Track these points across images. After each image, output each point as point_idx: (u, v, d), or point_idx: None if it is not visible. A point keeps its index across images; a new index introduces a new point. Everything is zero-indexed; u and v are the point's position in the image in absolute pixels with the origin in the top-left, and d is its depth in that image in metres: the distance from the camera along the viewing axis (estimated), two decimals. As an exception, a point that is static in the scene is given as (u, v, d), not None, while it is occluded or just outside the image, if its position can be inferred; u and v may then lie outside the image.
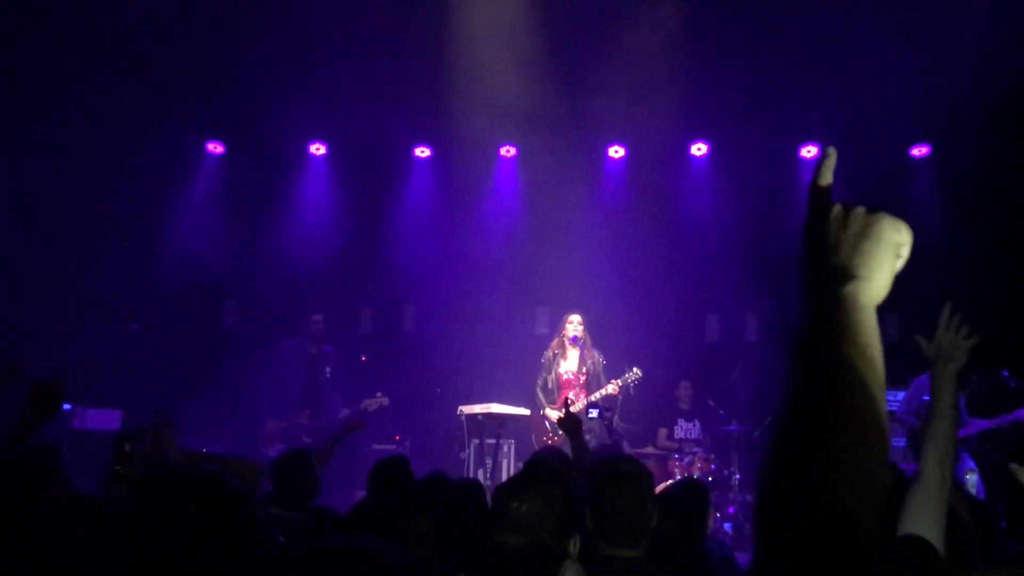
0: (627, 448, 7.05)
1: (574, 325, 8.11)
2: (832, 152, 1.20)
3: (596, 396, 7.72)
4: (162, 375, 8.33)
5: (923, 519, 2.33)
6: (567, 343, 8.10)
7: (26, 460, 2.63)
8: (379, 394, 7.92)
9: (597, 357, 8.10)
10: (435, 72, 8.48)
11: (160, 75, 8.43)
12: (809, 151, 9.76)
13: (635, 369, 7.74)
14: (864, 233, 1.13)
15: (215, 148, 9.83)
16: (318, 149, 9.99)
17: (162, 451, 3.84)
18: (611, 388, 7.72)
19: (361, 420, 5.89)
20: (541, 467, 2.67)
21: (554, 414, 7.83)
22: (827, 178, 1.19)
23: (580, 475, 3.93)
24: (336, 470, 6.81)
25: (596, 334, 8.36)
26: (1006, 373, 7.29)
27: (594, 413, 7.29)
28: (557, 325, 9.47)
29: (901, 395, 7.82)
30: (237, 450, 8.18)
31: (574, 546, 2.42)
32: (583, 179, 9.67)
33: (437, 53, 8.34)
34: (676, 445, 8.38)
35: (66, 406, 7.37)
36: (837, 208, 1.17)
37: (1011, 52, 7.47)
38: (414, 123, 9.67)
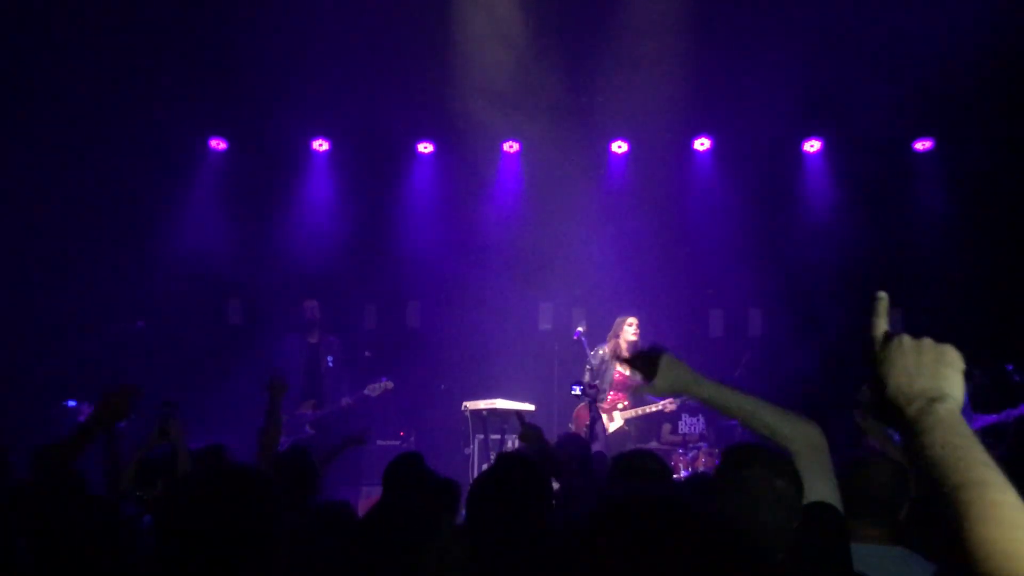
0: (600, 430, 7.10)
1: (633, 328, 8.11)
2: (883, 297, 1.39)
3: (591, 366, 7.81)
4: (167, 372, 8.34)
5: (820, 486, 2.30)
6: (623, 346, 8.04)
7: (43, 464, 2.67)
8: (384, 379, 7.91)
9: None
10: (438, 68, 8.49)
11: (163, 72, 8.44)
12: (812, 145, 9.75)
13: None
14: (940, 360, 1.29)
15: (218, 145, 9.82)
16: (321, 145, 9.98)
17: (169, 441, 3.86)
18: (667, 406, 7.78)
19: (362, 436, 5.86)
20: (512, 462, 2.67)
21: (616, 419, 7.99)
22: (883, 325, 1.37)
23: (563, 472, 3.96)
24: (340, 467, 6.82)
25: (600, 329, 8.37)
26: (1010, 367, 7.28)
27: (577, 390, 7.27)
28: (560, 321, 9.51)
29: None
30: (242, 446, 8.21)
31: None
32: (586, 174, 9.67)
33: (440, 49, 8.35)
34: (680, 439, 8.39)
35: (70, 403, 7.39)
36: (907, 340, 1.33)
37: (1013, 46, 7.46)
38: (417, 119, 9.67)
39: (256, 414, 8.04)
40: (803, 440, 2.33)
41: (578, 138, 9.42)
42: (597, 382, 7.51)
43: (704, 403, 2.50)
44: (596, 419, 6.99)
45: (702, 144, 9.90)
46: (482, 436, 7.77)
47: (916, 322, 9.35)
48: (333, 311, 8.53)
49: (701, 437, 8.43)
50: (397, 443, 8.30)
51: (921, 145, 9.50)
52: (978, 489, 1.08)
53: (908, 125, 9.27)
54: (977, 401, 7.72)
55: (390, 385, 7.90)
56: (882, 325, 1.36)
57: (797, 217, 9.67)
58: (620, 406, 8.13)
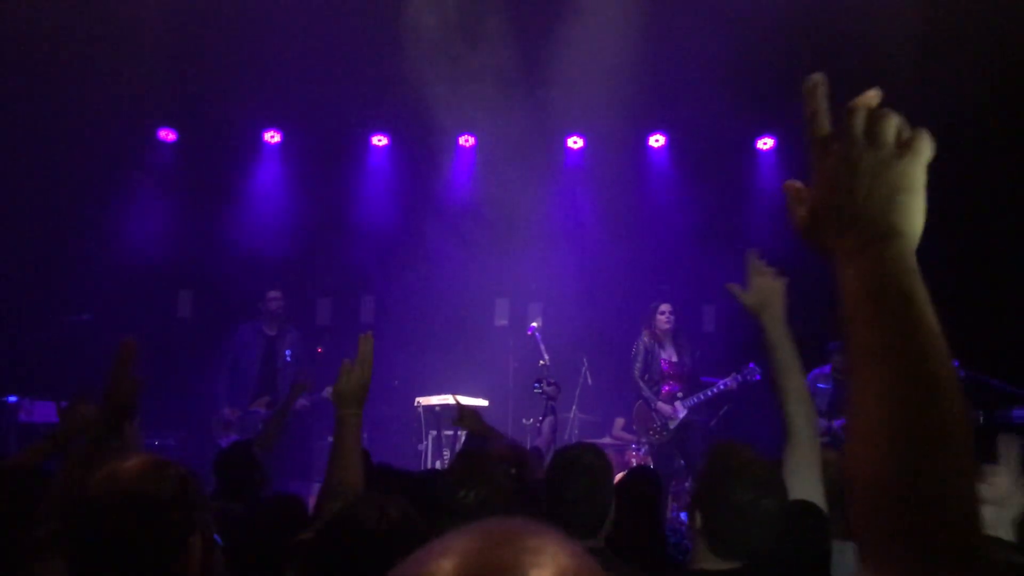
0: (547, 428, 7.04)
1: (666, 316, 8.03)
2: (819, 81, 1.05)
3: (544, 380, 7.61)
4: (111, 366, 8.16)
5: (803, 479, 2.32)
6: (660, 333, 8.02)
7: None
8: None
9: (693, 348, 8.14)
10: (392, 60, 8.40)
11: (110, 60, 8.24)
12: (765, 143, 9.85)
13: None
14: (898, 185, 0.95)
15: (167, 135, 9.64)
16: (273, 137, 9.84)
17: (125, 443, 3.76)
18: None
19: (305, 382, 5.74)
20: (480, 455, 2.65)
21: (665, 407, 7.84)
22: (823, 123, 1.01)
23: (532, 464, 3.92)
24: (290, 462, 6.74)
25: (553, 325, 8.36)
26: (956, 363, 7.39)
27: (537, 388, 7.23)
28: (516, 317, 9.48)
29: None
30: (191, 442, 8.08)
31: None
32: (542, 169, 9.66)
33: (394, 41, 8.26)
34: (633, 436, 8.43)
35: (11, 399, 7.20)
36: (855, 149, 0.97)
37: (984, 51, 7.59)
38: (371, 111, 9.58)
39: (205, 407, 7.97)
40: (803, 427, 2.35)
41: (533, 133, 9.39)
42: (555, 382, 7.32)
43: (767, 338, 2.58)
44: (546, 416, 6.97)
45: (657, 141, 9.96)
46: (435, 432, 7.72)
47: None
48: (286, 305, 8.39)
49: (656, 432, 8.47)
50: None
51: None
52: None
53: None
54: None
55: None
56: (823, 121, 1.05)
57: (751, 214, 9.76)
58: (679, 395, 7.96)
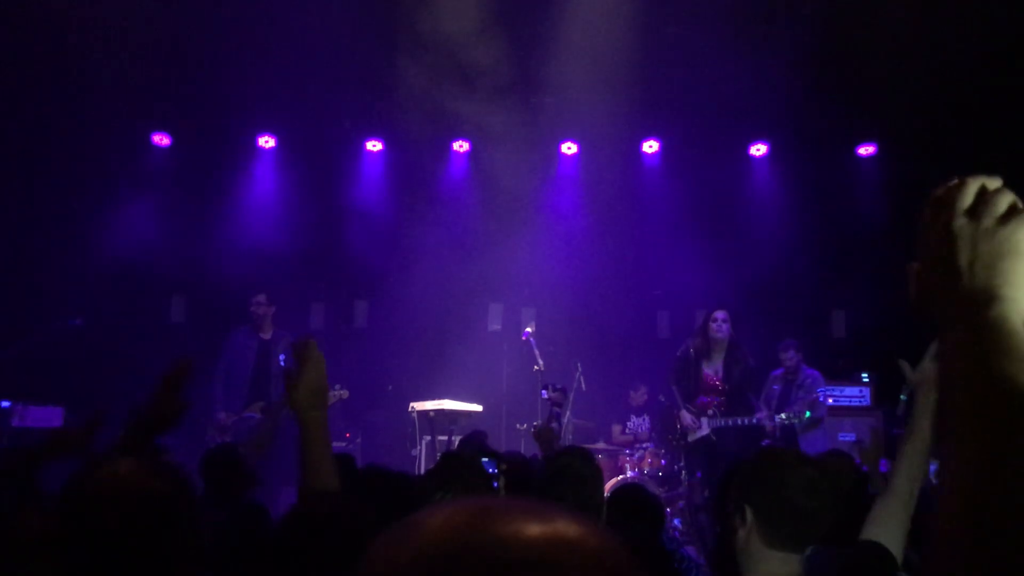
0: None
1: (718, 323, 7.56)
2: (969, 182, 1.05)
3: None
4: (107, 371, 8.15)
5: (888, 530, 2.39)
6: (712, 344, 7.58)
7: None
8: (338, 386, 7.46)
9: (748, 363, 7.61)
10: (387, 65, 8.42)
11: (104, 64, 8.23)
12: (758, 149, 9.89)
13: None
14: (1000, 251, 0.97)
15: (161, 140, 9.63)
16: (267, 142, 9.84)
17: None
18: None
19: (280, 406, 5.69)
20: (459, 458, 2.66)
21: (688, 417, 7.52)
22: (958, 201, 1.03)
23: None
24: (282, 468, 6.72)
25: (547, 330, 8.37)
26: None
27: (544, 395, 7.19)
28: (509, 322, 9.47)
29: (848, 390, 7.94)
30: (185, 447, 8.05)
31: None
32: (536, 175, 9.68)
33: (389, 47, 8.28)
34: (631, 439, 8.46)
35: (4, 404, 7.18)
36: (961, 223, 1.01)
37: (956, 53, 7.63)
38: (365, 116, 9.59)
39: (200, 412, 7.94)
40: (908, 499, 2.44)
41: (528, 138, 9.42)
42: (562, 387, 7.13)
43: (915, 409, 2.57)
44: (550, 423, 6.94)
45: (651, 147, 9.98)
46: (429, 437, 7.71)
47: (858, 323, 9.54)
48: (279, 310, 8.37)
49: (648, 436, 8.49)
50: (343, 444, 8.21)
51: (865, 150, 9.70)
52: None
53: (852, 131, 9.46)
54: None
55: (344, 394, 7.52)
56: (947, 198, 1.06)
57: (744, 220, 9.80)
58: (709, 412, 7.55)
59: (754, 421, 7.42)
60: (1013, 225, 0.98)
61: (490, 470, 2.81)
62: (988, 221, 0.99)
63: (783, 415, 7.50)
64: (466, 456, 2.75)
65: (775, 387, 7.84)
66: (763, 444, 7.47)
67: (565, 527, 0.74)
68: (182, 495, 1.74)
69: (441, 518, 0.74)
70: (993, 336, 0.92)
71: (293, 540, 1.87)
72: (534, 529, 0.72)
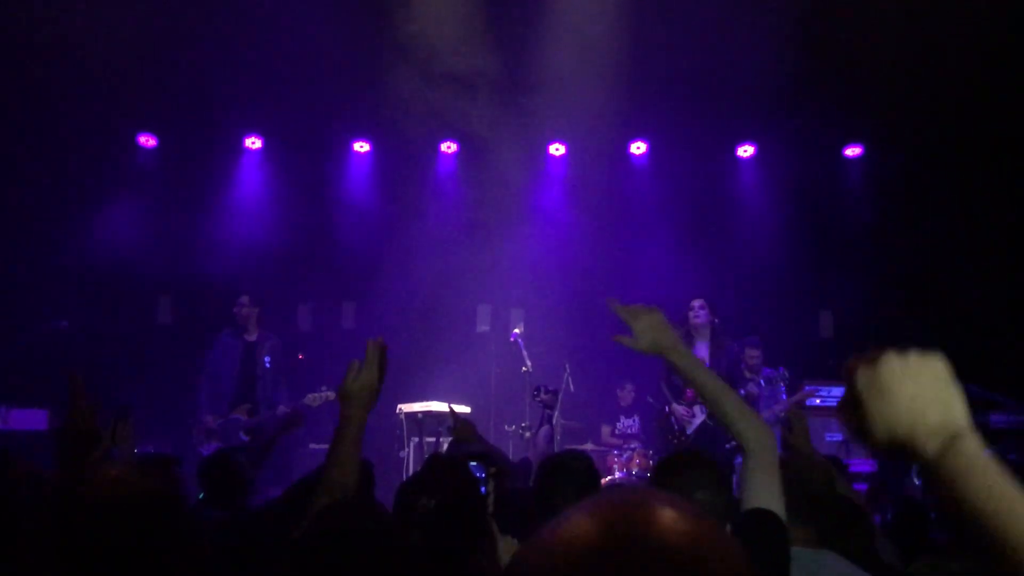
0: (542, 438, 6.98)
1: (695, 311, 7.62)
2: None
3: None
4: (93, 373, 8.07)
5: (763, 491, 2.34)
6: (694, 331, 7.61)
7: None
8: (324, 388, 7.43)
9: (737, 350, 7.64)
10: (375, 66, 8.40)
11: (90, 66, 8.18)
12: (745, 150, 9.91)
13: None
14: (939, 380, 1.13)
15: (147, 141, 9.58)
16: (254, 143, 9.80)
17: (120, 446, 3.75)
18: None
19: (296, 418, 5.71)
20: (444, 460, 2.65)
21: (680, 409, 7.54)
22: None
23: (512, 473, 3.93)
24: (272, 470, 6.70)
25: (536, 331, 8.36)
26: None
27: (536, 397, 7.17)
28: (498, 323, 9.46)
29: (835, 390, 7.98)
30: (172, 449, 8.01)
31: (490, 537, 2.40)
32: (524, 176, 9.67)
33: (377, 47, 8.26)
34: (620, 442, 8.47)
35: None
36: (895, 361, 1.15)
37: (942, 55, 7.67)
38: (353, 117, 9.57)
39: (186, 415, 7.91)
40: (756, 439, 2.36)
41: (516, 140, 9.41)
42: (553, 389, 7.17)
43: (677, 371, 2.54)
44: (542, 424, 6.93)
45: (638, 148, 10.00)
46: (417, 439, 7.69)
47: (845, 323, 9.56)
48: (265, 311, 8.34)
49: (636, 437, 8.50)
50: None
51: (851, 151, 9.75)
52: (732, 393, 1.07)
53: (838, 132, 9.50)
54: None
55: (331, 395, 7.43)
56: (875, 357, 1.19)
57: (731, 220, 9.83)
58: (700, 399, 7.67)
59: (742, 393, 7.39)
60: (931, 358, 1.14)
61: (478, 474, 2.80)
62: (913, 359, 1.14)
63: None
64: (452, 459, 2.74)
65: (739, 390, 7.79)
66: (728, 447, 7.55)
67: (707, 524, 0.82)
68: (175, 496, 1.73)
69: (586, 519, 0.80)
70: (980, 468, 1.07)
71: (317, 549, 1.85)
72: (680, 525, 0.79)
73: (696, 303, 7.65)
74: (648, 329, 2.46)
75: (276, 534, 2.57)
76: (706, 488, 2.33)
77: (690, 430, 7.54)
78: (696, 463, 2.43)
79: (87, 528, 1.63)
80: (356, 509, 2.03)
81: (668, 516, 0.79)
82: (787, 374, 7.73)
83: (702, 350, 7.66)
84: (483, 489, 2.68)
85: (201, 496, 4.12)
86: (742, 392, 7.50)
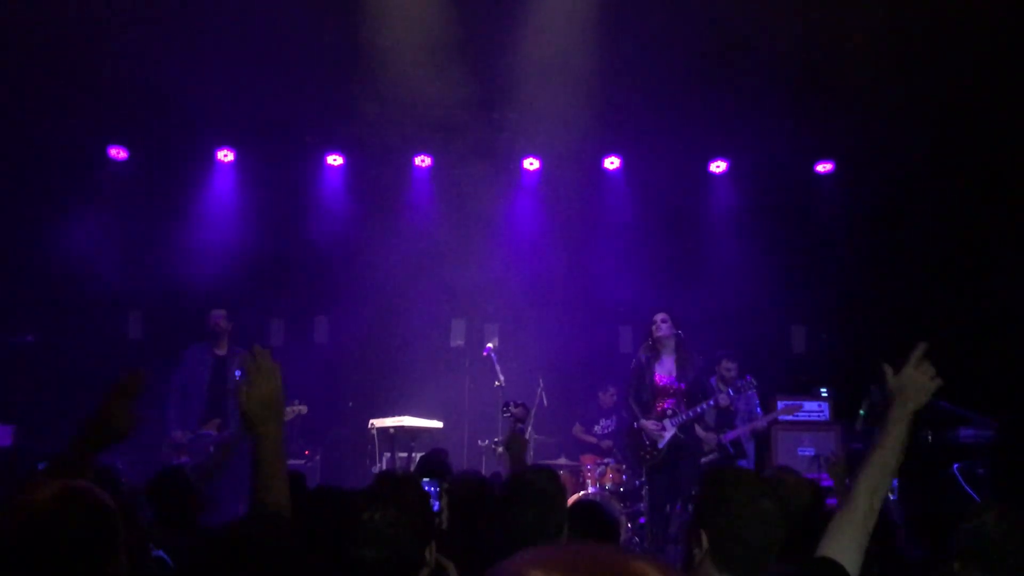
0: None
1: (657, 324, 7.60)
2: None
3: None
4: (61, 389, 7.98)
5: (845, 547, 2.35)
6: (658, 344, 7.61)
7: None
8: (296, 402, 7.40)
9: (702, 363, 7.71)
10: (348, 79, 8.38)
11: (58, 76, 8.10)
12: (718, 166, 9.97)
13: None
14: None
15: (118, 153, 9.47)
16: (226, 156, 9.72)
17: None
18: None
19: (233, 442, 5.54)
20: (394, 477, 2.60)
21: (650, 424, 7.48)
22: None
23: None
24: (237, 485, 6.60)
25: (509, 345, 8.34)
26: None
27: (507, 412, 7.14)
28: (472, 337, 9.43)
29: (807, 405, 8.02)
30: (141, 464, 7.90)
31: (430, 553, 2.36)
32: (498, 190, 9.67)
33: (350, 60, 8.24)
34: (594, 439, 8.48)
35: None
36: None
37: (914, 73, 7.77)
38: (326, 130, 9.52)
39: (156, 430, 7.80)
40: (867, 512, 2.41)
41: (490, 154, 9.42)
42: (522, 403, 7.12)
43: (888, 417, 2.55)
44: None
45: (612, 163, 10.03)
46: (389, 454, 7.64)
47: (819, 338, 9.57)
48: (238, 326, 8.26)
49: (611, 436, 8.52)
50: (302, 462, 8.10)
51: (822, 167, 9.83)
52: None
53: (810, 148, 9.59)
54: (874, 416, 7.97)
55: (303, 409, 7.43)
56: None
57: (705, 235, 9.88)
58: (669, 412, 7.53)
59: (711, 404, 7.46)
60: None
61: (430, 489, 2.75)
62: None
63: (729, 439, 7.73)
64: (402, 475, 2.69)
65: (711, 402, 7.76)
66: (703, 461, 7.56)
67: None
68: (102, 529, 1.68)
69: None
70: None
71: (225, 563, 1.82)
72: None
73: (658, 316, 7.67)
74: (914, 381, 2.56)
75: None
76: (767, 496, 2.34)
77: (661, 444, 7.52)
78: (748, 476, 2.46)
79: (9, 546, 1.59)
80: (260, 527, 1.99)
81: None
82: (755, 382, 7.77)
83: (668, 363, 7.66)
84: (435, 505, 2.64)
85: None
86: (711, 403, 7.54)
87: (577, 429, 8.83)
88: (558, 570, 0.75)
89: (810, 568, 2.34)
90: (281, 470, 2.29)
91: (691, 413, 7.47)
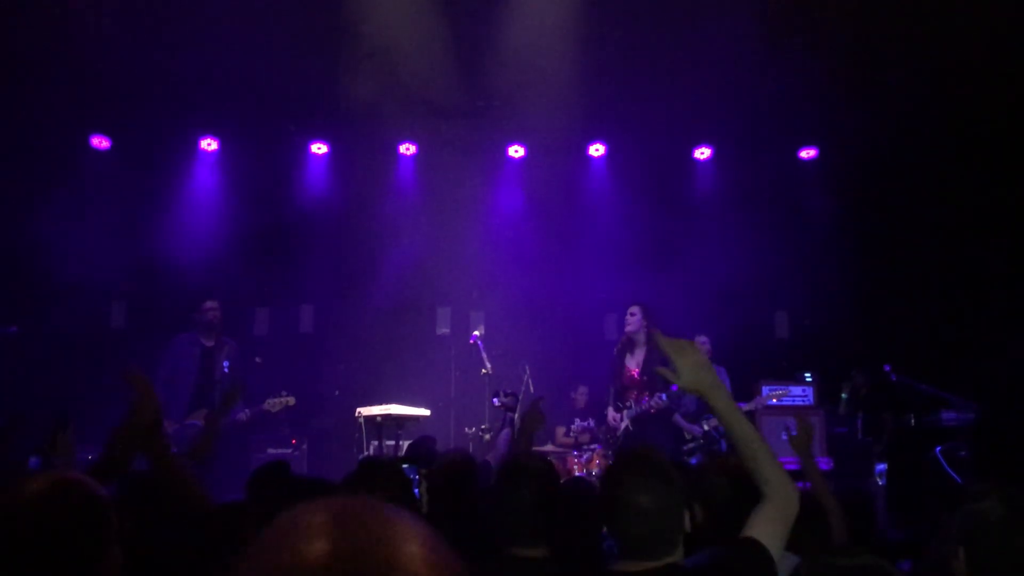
0: (501, 441, 6.97)
1: (627, 318, 7.68)
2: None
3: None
4: (44, 379, 7.94)
5: (769, 531, 2.42)
6: (628, 337, 7.69)
7: None
8: (284, 393, 7.45)
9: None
10: (332, 67, 8.34)
11: (40, 65, 8.03)
12: (703, 153, 10.00)
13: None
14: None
15: (100, 143, 9.41)
16: (209, 144, 9.68)
17: (59, 455, 3.66)
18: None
19: (236, 391, 5.52)
20: (377, 463, 2.63)
21: (610, 414, 7.67)
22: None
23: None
24: (229, 475, 6.61)
25: (495, 333, 8.36)
26: (888, 368, 7.60)
27: (496, 402, 7.18)
28: (458, 325, 9.44)
29: (792, 390, 8.07)
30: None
31: None
32: (483, 178, 9.67)
33: (334, 47, 8.20)
34: (573, 441, 8.49)
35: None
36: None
37: (897, 59, 7.80)
38: (310, 118, 9.48)
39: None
40: (778, 488, 2.47)
41: (475, 141, 9.41)
42: (513, 392, 7.26)
43: (714, 412, 2.61)
44: (503, 427, 6.92)
45: (597, 150, 10.05)
46: (376, 442, 7.65)
47: (801, 323, 9.65)
48: (223, 316, 8.23)
49: (593, 438, 8.53)
50: (289, 451, 8.09)
51: (806, 153, 9.88)
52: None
53: (793, 134, 9.63)
54: (856, 400, 8.05)
55: (291, 401, 7.47)
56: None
57: (688, 221, 9.90)
58: (628, 404, 7.65)
59: (662, 397, 7.46)
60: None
61: (411, 475, 2.77)
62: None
63: (706, 426, 7.72)
64: (384, 461, 2.71)
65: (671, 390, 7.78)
66: (694, 461, 7.59)
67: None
68: (91, 518, 1.69)
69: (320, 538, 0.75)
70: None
71: None
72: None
73: (630, 309, 7.73)
74: (694, 367, 2.56)
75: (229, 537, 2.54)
76: (648, 492, 2.37)
77: (619, 433, 7.67)
78: (635, 467, 2.46)
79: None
80: None
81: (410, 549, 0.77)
82: (723, 369, 7.84)
83: (639, 356, 7.72)
84: (415, 491, 2.66)
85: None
86: (671, 390, 7.55)
87: (560, 432, 8.84)
88: (322, 510, 0.77)
89: (733, 549, 2.41)
90: (191, 476, 2.33)
91: (643, 403, 7.53)
